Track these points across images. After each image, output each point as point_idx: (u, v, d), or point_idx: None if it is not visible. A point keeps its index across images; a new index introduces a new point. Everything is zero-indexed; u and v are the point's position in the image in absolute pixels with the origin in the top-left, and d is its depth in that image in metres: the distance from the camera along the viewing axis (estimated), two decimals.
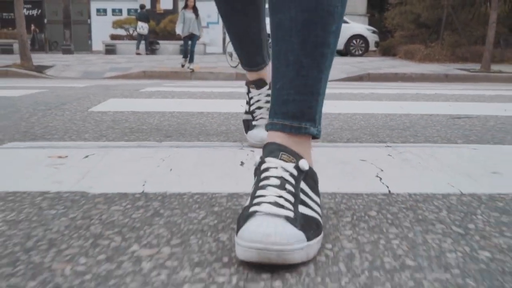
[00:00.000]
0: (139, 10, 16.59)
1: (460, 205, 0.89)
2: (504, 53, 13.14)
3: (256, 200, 0.71)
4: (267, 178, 0.74)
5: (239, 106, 2.51)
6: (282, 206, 0.69)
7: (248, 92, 1.50)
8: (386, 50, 15.64)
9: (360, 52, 15.52)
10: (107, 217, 0.80)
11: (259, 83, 1.47)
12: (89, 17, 22.30)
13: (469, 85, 6.70)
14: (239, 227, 0.69)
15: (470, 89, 4.91)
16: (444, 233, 0.74)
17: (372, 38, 15.68)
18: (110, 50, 17.47)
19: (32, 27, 20.69)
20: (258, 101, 1.48)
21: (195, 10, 10.14)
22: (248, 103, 1.51)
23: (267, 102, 1.47)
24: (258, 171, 0.79)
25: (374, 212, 0.84)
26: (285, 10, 0.82)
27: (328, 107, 2.52)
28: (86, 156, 1.26)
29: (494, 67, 10.32)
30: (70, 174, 1.08)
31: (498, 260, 0.65)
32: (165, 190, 0.96)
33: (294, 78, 0.82)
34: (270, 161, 0.76)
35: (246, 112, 1.52)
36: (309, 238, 0.67)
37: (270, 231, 0.64)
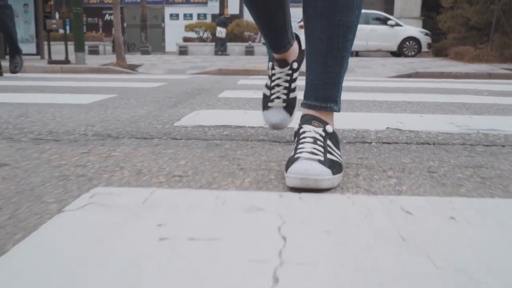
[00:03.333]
0: (218, 17, 19.00)
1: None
2: None
3: (298, 151, 1.08)
4: (304, 138, 1.11)
5: None
6: (315, 154, 1.06)
7: (272, 68, 1.63)
8: (438, 51, 16.48)
9: (413, 53, 16.56)
10: None
11: (282, 63, 1.59)
12: (163, 21, 24.59)
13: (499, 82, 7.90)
14: (288, 167, 1.05)
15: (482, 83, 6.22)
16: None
17: (425, 40, 16.69)
18: (182, 51, 19.55)
19: (113, 31, 23.14)
20: (278, 78, 1.61)
21: None
22: (270, 78, 1.65)
23: (285, 81, 1.61)
24: (297, 134, 1.16)
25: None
26: (316, 23, 1.15)
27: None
28: None
29: None
30: None
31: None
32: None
33: (323, 73, 1.17)
34: (306, 127, 1.14)
35: (267, 86, 1.66)
36: (333, 173, 1.04)
37: (308, 167, 1.00)
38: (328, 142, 1.13)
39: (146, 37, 23.26)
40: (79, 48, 11.20)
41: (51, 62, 10.98)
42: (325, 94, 1.19)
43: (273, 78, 1.60)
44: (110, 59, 13.64)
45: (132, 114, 2.47)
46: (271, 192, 1.05)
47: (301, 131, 1.15)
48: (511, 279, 0.63)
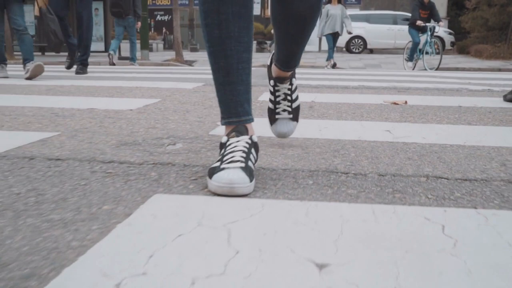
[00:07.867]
0: None
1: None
2: None
3: (225, 158, 1.23)
4: (233, 146, 1.27)
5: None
6: (240, 161, 1.21)
7: (275, 85, 1.72)
8: (461, 49, 17.91)
9: (438, 51, 18.04)
10: None
11: (281, 80, 1.70)
12: None
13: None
14: (212, 173, 1.20)
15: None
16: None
17: (448, 38, 18.15)
18: None
19: (164, 30, 25.31)
20: (280, 93, 1.71)
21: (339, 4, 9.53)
22: (272, 93, 1.73)
23: (287, 94, 1.70)
24: (223, 145, 1.30)
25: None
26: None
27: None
28: None
29: None
30: None
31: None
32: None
33: (240, 94, 1.34)
34: (237, 138, 1.29)
35: (271, 101, 1.74)
36: (250, 181, 1.18)
37: (232, 176, 1.15)
38: (252, 151, 1.30)
39: (193, 35, 25.22)
40: (145, 46, 12.91)
41: (121, 58, 12.59)
42: (244, 110, 1.36)
43: (277, 94, 1.72)
44: (167, 55, 15.43)
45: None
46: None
47: (228, 142, 1.30)
48: None
